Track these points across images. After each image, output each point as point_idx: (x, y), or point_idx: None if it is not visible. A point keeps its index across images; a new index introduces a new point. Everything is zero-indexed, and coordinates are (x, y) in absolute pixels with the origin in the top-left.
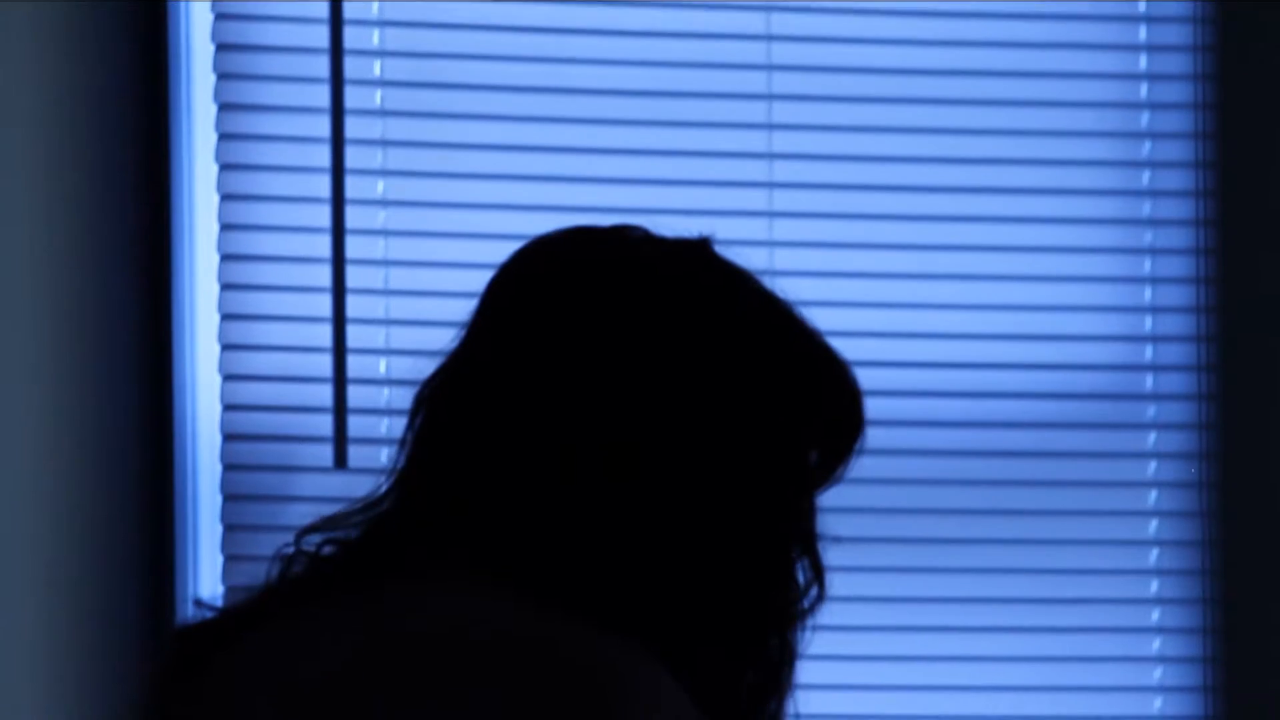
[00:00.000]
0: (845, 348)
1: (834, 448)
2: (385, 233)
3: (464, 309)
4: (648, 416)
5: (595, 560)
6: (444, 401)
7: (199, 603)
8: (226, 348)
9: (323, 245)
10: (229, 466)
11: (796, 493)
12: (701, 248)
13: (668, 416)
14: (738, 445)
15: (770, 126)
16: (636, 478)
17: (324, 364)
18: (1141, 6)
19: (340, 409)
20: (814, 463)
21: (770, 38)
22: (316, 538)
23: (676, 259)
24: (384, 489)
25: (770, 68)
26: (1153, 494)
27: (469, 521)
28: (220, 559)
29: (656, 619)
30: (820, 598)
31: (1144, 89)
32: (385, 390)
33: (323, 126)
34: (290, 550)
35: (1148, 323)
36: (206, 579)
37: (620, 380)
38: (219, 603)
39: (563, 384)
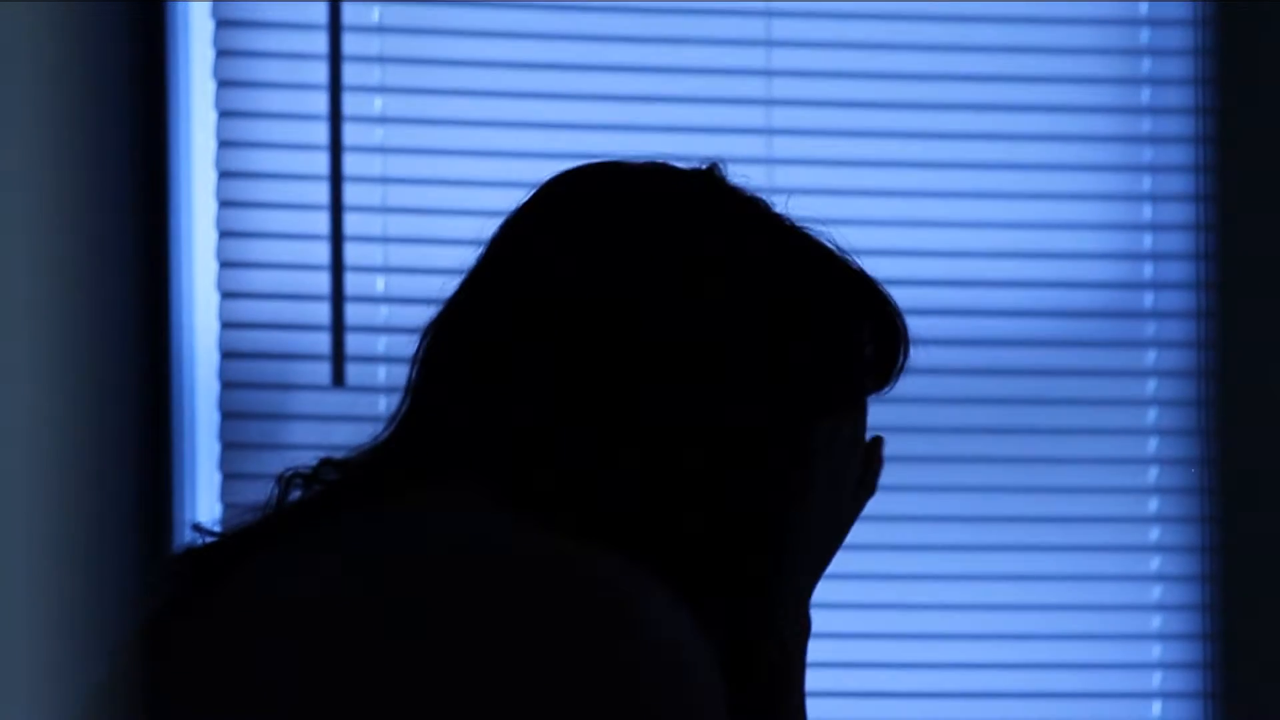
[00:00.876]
0: None
1: (877, 370)
2: (383, 150)
3: (462, 227)
4: (669, 346)
5: (604, 486)
6: (452, 325)
7: (197, 527)
8: (225, 265)
9: (321, 162)
10: (227, 384)
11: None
12: (714, 174)
13: (694, 345)
14: (764, 374)
15: (769, 43)
16: (650, 404)
17: (322, 282)
18: None
19: (338, 327)
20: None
21: None
22: (314, 461)
23: (700, 182)
24: (394, 412)
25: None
26: (1152, 412)
27: (473, 444)
28: (218, 477)
29: (665, 547)
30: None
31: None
32: (383, 308)
33: (321, 42)
34: (290, 473)
35: (1147, 241)
36: (204, 497)
37: (639, 304)
38: (218, 526)
39: (581, 307)
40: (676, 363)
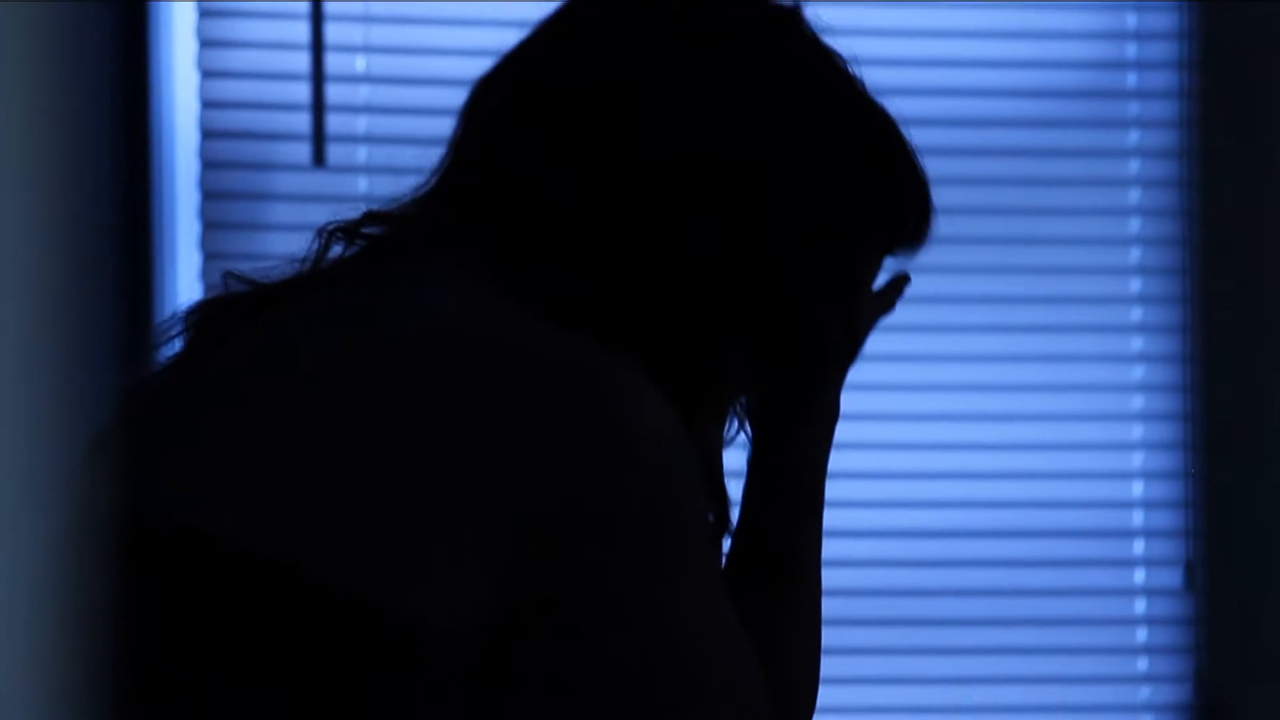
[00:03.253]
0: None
1: (894, 236)
2: None
3: (444, 7)
4: (696, 145)
5: (608, 279)
6: (489, 105)
7: (230, 274)
8: (205, 44)
9: None
10: (208, 164)
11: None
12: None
13: (727, 150)
14: (788, 199)
15: None
16: (669, 207)
17: (302, 61)
18: None
19: (319, 106)
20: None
21: None
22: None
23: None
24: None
25: None
26: (1134, 192)
27: (484, 227)
28: (199, 257)
29: (662, 344)
30: (849, 353)
31: None
32: (364, 88)
33: None
34: (332, 225)
35: (1131, 20)
36: (185, 277)
37: (676, 106)
38: (252, 275)
39: (617, 101)
40: (700, 177)
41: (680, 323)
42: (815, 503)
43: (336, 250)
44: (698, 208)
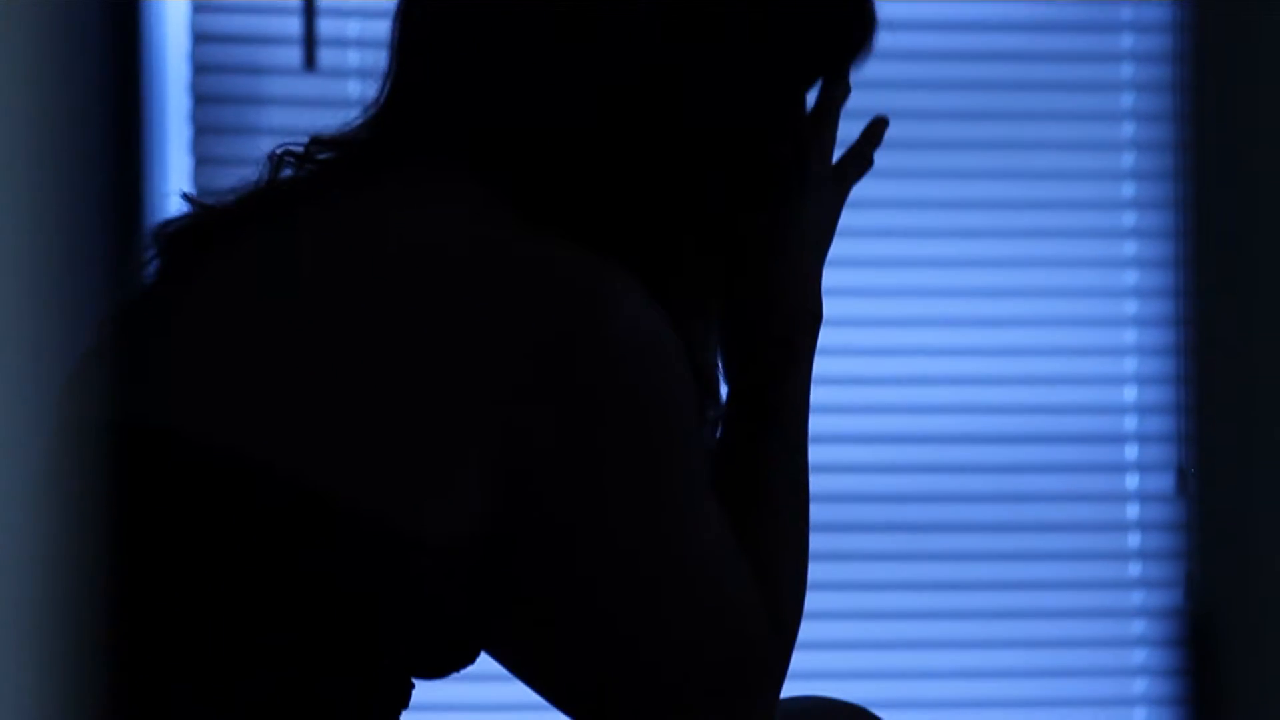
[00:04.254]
0: None
1: (841, 50)
2: None
3: None
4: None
5: (580, 176)
6: (434, 5)
7: (187, 197)
8: None
9: None
10: (198, 68)
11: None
12: None
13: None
14: (746, 35)
15: None
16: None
17: None
18: None
19: (309, 9)
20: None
21: None
22: (305, 141)
23: None
24: (376, 98)
25: None
26: (1127, 97)
27: (454, 131)
28: (190, 161)
29: (643, 238)
30: (791, 187)
31: None
32: None
33: None
34: (281, 150)
35: None
36: (175, 181)
37: None
38: (207, 199)
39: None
40: (652, 20)
41: (650, 183)
42: (781, 417)
43: (285, 174)
44: (653, 54)
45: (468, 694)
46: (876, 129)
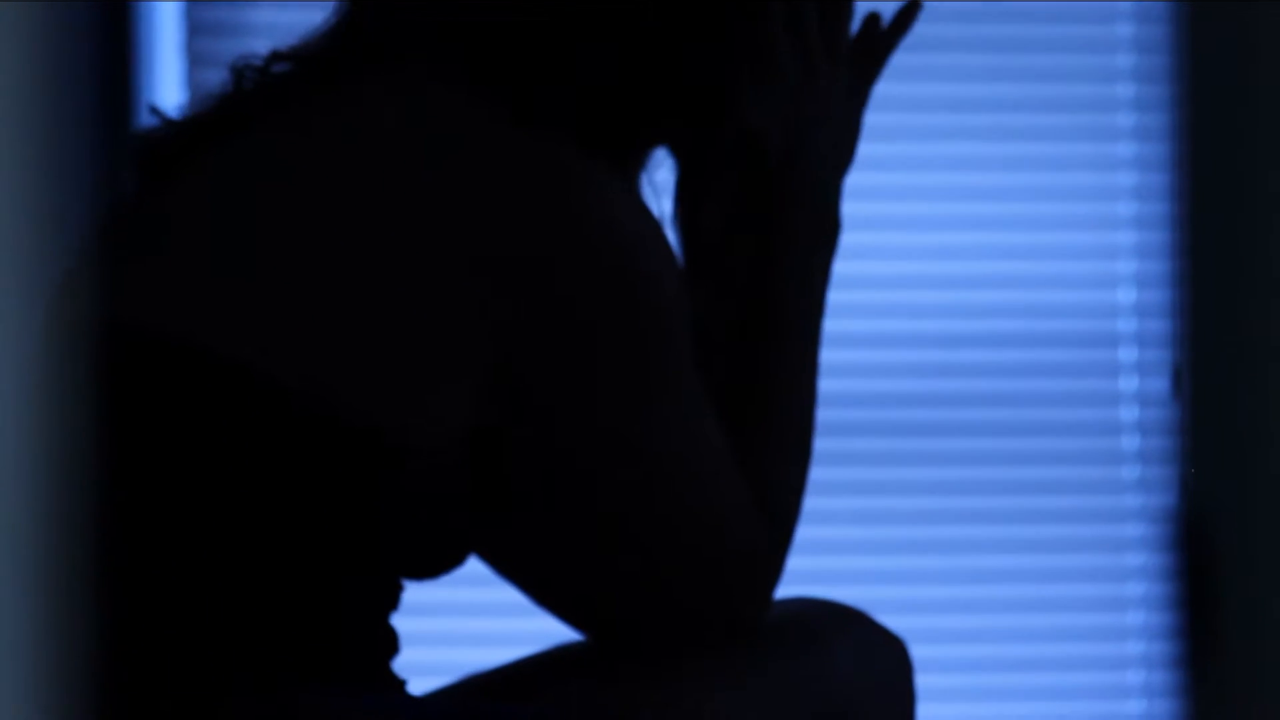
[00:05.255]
0: None
1: None
2: None
3: None
4: None
5: (551, 59)
6: None
7: (154, 110)
8: None
9: None
10: None
11: None
12: None
13: None
14: None
15: None
16: None
17: None
18: None
19: None
20: None
21: None
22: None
23: None
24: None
25: None
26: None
27: (423, 25)
28: (182, 61)
29: (625, 128)
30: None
31: None
32: None
33: None
34: (241, 63)
35: None
36: (168, 81)
37: None
38: (174, 111)
39: None
40: None
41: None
42: (795, 328)
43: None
44: None
45: (458, 597)
46: (903, 21)
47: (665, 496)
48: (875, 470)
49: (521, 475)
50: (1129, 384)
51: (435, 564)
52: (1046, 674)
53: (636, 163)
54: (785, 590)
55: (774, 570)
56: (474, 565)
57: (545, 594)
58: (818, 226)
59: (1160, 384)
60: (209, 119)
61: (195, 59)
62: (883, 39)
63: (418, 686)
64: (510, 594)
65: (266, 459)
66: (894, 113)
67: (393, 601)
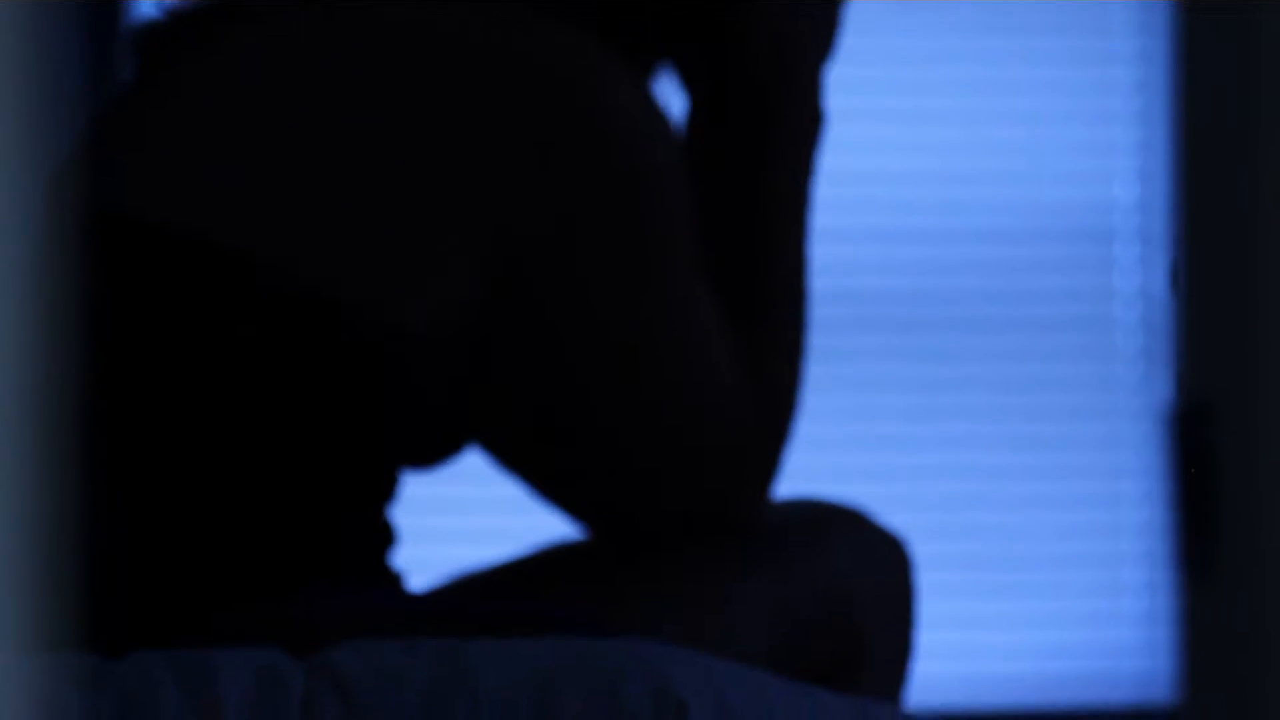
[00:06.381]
0: None
1: None
2: None
3: None
4: None
5: None
6: None
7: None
8: None
9: None
10: None
11: None
12: None
13: None
14: None
15: None
16: None
17: None
18: None
19: None
20: None
21: None
22: None
23: None
24: None
25: None
26: None
27: None
28: None
29: (623, 27)
30: None
31: None
32: None
33: None
34: None
35: None
36: None
37: None
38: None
39: None
40: None
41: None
42: (781, 216)
43: None
44: None
45: (455, 493)
46: None
47: (662, 384)
48: (871, 367)
49: (519, 358)
50: (1127, 281)
51: (432, 451)
52: (1044, 572)
53: (646, 68)
54: (786, 488)
55: (771, 456)
56: (471, 461)
57: (544, 483)
58: (801, 114)
59: (1158, 281)
60: (208, 11)
61: None
62: None
63: (416, 584)
64: (509, 490)
65: (263, 345)
66: (895, 5)
67: (389, 493)
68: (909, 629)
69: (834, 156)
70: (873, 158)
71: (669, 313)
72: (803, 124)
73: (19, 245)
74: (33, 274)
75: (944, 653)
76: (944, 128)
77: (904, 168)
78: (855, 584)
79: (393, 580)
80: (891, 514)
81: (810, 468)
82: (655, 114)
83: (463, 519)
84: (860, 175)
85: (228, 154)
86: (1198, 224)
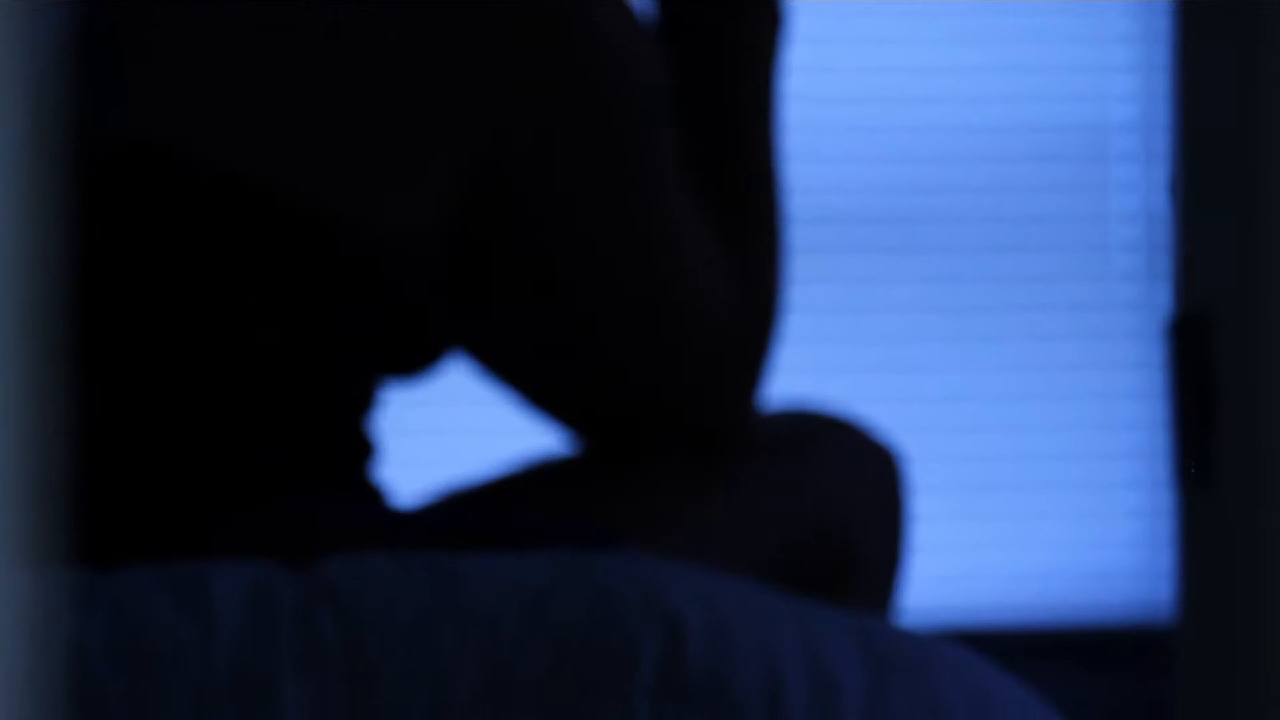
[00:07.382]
0: None
1: None
2: None
3: None
4: None
5: None
6: None
7: None
8: None
9: None
10: None
11: None
12: None
13: None
14: None
15: None
16: None
17: None
18: None
19: None
20: None
21: None
22: None
23: None
24: None
25: None
26: None
27: None
28: None
29: None
30: None
31: None
32: None
33: None
34: None
35: None
36: None
37: None
38: None
39: None
40: None
41: None
42: (746, 117)
43: None
44: None
45: (440, 417)
46: None
47: (646, 288)
48: (866, 289)
49: (502, 263)
50: (1125, 201)
51: (415, 359)
52: (1042, 494)
53: None
54: (776, 386)
55: (755, 359)
56: (454, 381)
57: (530, 387)
58: (760, 13)
59: (1157, 201)
60: None
61: None
62: None
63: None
64: (495, 412)
65: (243, 256)
66: None
67: (367, 402)
68: (900, 541)
69: (830, 80)
70: (870, 80)
71: (648, 215)
72: (761, 24)
73: (5, 163)
74: (20, 191)
75: (941, 575)
76: (941, 50)
77: (901, 89)
78: (846, 495)
79: (375, 494)
80: (886, 438)
81: (803, 389)
82: (637, 27)
83: (441, 439)
84: (858, 98)
85: (210, 71)
86: (1197, 135)
